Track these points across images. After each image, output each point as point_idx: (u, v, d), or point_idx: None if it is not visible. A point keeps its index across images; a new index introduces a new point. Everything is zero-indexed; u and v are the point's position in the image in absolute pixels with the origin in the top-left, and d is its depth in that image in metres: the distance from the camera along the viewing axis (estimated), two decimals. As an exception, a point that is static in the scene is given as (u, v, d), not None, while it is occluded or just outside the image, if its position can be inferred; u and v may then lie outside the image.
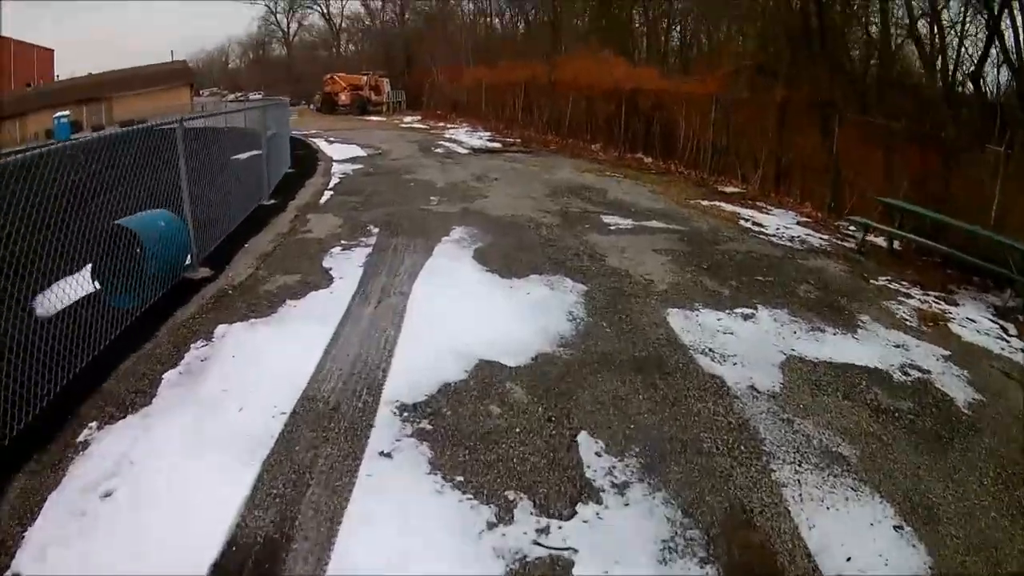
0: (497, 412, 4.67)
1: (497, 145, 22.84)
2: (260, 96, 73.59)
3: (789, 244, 10.19)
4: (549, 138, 24.76)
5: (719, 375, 5.43)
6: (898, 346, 6.39)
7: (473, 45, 39.25)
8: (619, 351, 5.74)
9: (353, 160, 18.24)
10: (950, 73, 16.73)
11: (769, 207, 13.53)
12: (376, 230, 9.70)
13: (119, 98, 48.24)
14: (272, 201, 11.90)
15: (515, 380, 5.12)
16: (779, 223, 11.85)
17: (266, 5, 71.78)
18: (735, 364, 5.65)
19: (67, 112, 41.59)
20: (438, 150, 20.96)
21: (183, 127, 7.38)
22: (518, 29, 42.08)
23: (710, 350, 5.89)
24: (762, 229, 11.11)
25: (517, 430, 4.46)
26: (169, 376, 5.11)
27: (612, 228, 10.19)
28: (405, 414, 4.60)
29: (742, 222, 11.57)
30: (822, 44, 17.15)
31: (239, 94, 79.84)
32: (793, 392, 5.27)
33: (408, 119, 35.66)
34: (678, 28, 34.43)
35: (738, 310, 6.92)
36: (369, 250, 8.65)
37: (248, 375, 5.04)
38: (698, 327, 6.39)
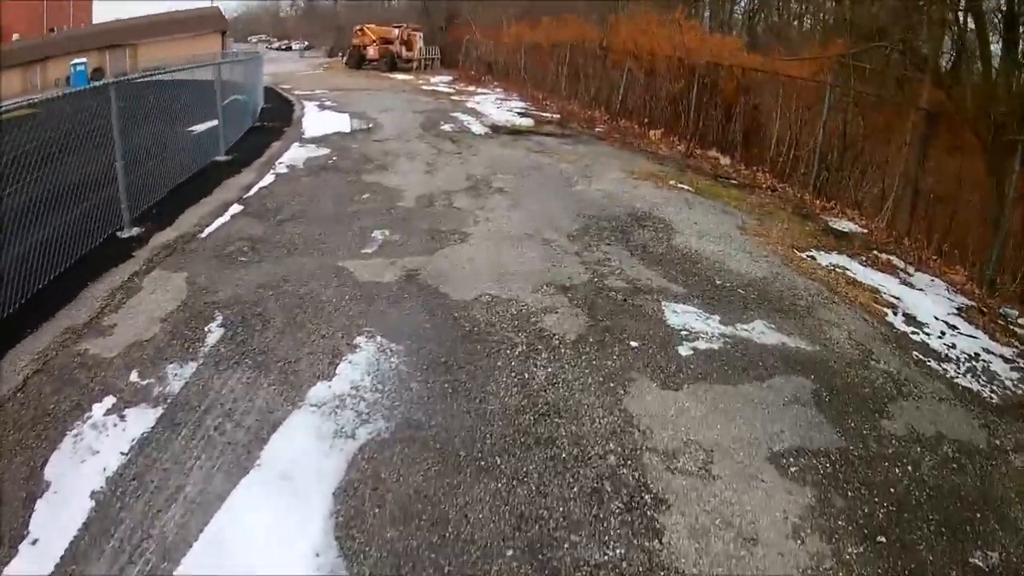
0: None
1: (527, 122, 17.59)
2: (302, 47, 69.65)
3: (978, 387, 5.26)
4: (596, 116, 19.47)
5: None
6: None
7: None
8: None
9: (323, 140, 13.42)
10: None
11: (907, 267, 8.31)
12: (214, 339, 5.00)
13: (144, 44, 45.30)
14: (133, 231, 7.42)
15: None
16: (936, 312, 6.80)
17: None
18: None
19: (84, 60, 38.83)
20: (447, 126, 15.92)
21: None
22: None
23: None
24: (925, 339, 6.10)
25: None
26: None
27: (682, 351, 5.17)
28: None
29: (891, 317, 6.50)
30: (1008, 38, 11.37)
31: (283, 43, 76.18)
32: None
33: (436, 80, 30.48)
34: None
35: None
36: (154, 420, 4.00)
37: None
38: None
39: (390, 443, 3.79)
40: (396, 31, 37.79)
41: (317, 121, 16.19)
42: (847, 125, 13.28)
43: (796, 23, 28.30)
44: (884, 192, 11.65)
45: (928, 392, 5.00)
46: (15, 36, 40.54)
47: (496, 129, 15.93)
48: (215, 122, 12.30)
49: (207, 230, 7.52)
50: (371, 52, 37.73)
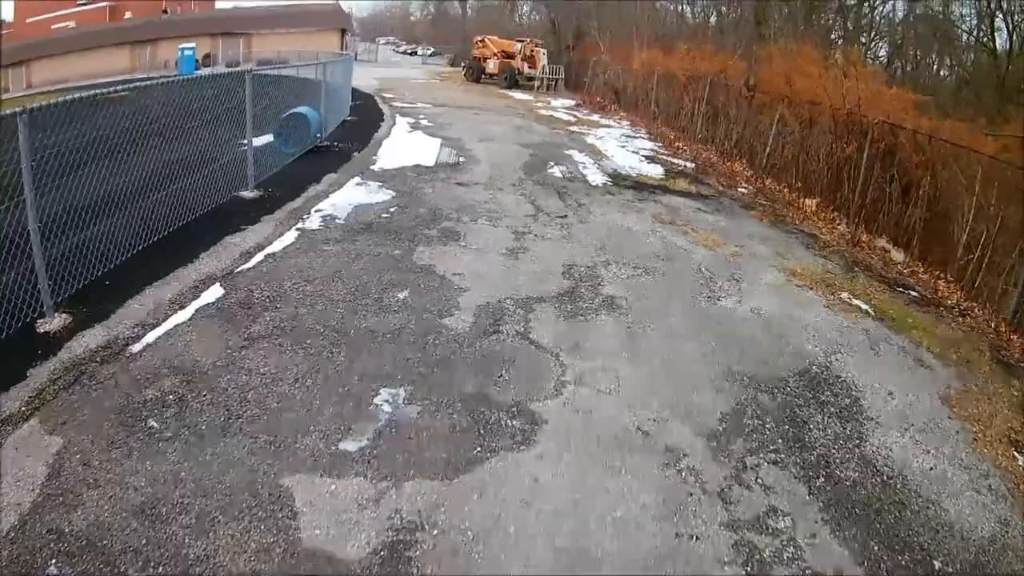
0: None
1: (656, 171, 14.30)
2: (427, 52, 68.31)
3: None
4: (737, 169, 16.03)
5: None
6: None
7: (651, 24, 30.03)
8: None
9: (393, 177, 10.74)
10: None
11: None
12: None
13: (259, 35, 44.99)
14: (54, 322, 5.10)
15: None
16: None
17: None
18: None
19: (192, 44, 38.37)
20: (556, 169, 12.93)
21: None
22: (709, 21, 31.92)
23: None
24: None
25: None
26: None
27: None
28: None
29: None
30: None
31: (410, 47, 75.47)
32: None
33: (556, 103, 27.49)
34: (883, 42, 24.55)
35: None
36: None
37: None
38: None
39: None
40: (519, 45, 35.08)
41: (400, 146, 13.58)
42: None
43: (927, 73, 24.31)
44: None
45: None
46: (127, 14, 40.67)
47: (617, 179, 12.79)
48: (270, 137, 9.88)
49: (146, 338, 4.86)
50: (491, 66, 35.17)
